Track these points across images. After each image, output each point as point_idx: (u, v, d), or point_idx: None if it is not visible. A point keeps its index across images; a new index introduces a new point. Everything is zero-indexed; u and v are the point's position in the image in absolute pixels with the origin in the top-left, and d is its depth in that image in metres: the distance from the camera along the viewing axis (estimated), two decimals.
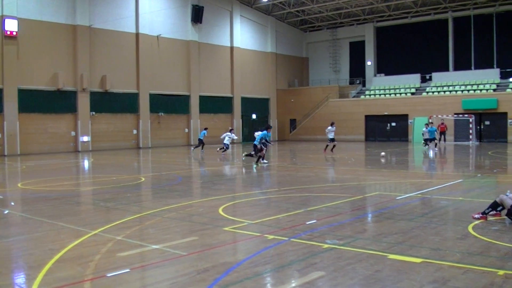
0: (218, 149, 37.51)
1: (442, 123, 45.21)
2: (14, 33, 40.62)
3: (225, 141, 36.99)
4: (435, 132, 37.52)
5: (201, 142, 39.98)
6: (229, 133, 37.50)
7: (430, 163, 29.36)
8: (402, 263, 7.91)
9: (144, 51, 49.43)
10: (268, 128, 28.55)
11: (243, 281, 7.10)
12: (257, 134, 28.40)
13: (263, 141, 27.13)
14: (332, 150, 35.86)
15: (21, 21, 41.20)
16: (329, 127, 36.19)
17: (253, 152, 27.94)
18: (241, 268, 7.74)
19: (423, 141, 39.45)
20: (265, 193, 16.48)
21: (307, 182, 19.45)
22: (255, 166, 26.04)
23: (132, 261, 8.32)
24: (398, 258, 8.21)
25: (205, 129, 41.74)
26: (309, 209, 12.91)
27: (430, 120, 44.01)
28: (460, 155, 31.11)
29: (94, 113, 45.87)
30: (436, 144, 37.80)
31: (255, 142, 27.54)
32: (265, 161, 27.72)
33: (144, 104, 49.57)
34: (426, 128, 38.18)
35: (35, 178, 22.49)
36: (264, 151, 27.45)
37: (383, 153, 32.76)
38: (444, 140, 44.43)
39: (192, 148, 42.31)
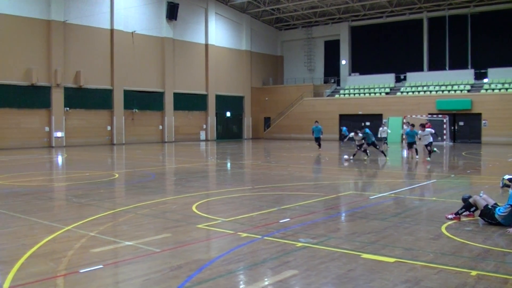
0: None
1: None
2: None
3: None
4: (416, 136, 33.90)
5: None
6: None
7: (404, 163, 29.50)
8: (375, 263, 7.95)
9: (119, 47, 49.19)
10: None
11: (216, 279, 7.10)
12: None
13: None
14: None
15: None
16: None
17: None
18: (214, 266, 7.73)
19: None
20: (239, 191, 16.43)
21: (280, 180, 19.46)
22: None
23: (105, 258, 8.27)
24: (371, 257, 8.25)
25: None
26: (283, 208, 12.93)
27: (405, 121, 44.35)
28: (434, 155, 31.23)
29: (68, 108, 45.56)
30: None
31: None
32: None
33: (118, 100, 49.33)
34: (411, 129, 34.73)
35: (8, 173, 22.20)
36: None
37: (345, 156, 30.52)
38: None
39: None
